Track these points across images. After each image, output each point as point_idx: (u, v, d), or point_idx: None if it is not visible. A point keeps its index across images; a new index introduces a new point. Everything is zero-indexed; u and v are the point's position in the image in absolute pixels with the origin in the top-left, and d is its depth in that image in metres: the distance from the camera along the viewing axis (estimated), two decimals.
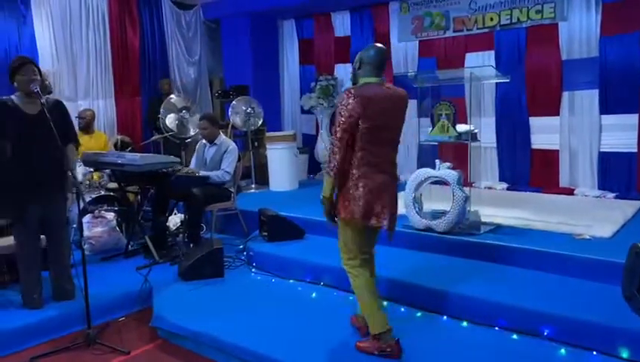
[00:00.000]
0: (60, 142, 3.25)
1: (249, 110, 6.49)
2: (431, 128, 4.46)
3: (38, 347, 3.23)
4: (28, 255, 3.53)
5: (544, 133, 5.92)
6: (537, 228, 4.20)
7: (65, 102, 6.53)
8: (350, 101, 2.60)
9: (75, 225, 4.51)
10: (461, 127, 4.31)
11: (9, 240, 3.67)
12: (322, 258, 3.98)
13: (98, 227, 4.83)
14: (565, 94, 5.76)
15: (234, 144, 5.04)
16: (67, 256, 3.71)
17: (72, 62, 6.61)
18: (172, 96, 6.41)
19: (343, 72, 7.55)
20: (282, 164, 6.45)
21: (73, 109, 6.23)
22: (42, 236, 3.65)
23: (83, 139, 5.70)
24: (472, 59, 6.26)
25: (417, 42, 6.77)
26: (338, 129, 2.62)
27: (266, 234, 4.70)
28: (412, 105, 6.55)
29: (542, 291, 3.26)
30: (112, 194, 5.12)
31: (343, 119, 2.60)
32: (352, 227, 2.76)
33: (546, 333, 2.91)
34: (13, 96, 3.45)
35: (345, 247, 2.84)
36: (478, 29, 6.23)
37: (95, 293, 3.38)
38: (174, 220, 5.38)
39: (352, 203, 2.68)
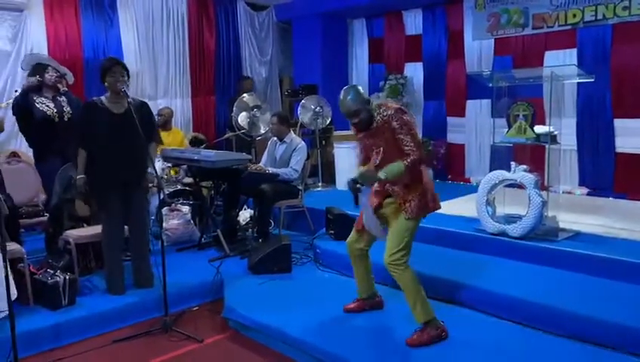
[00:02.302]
0: (143, 140, 3.45)
1: (317, 109, 6.55)
2: (507, 129, 4.30)
3: (119, 331, 3.44)
4: (112, 243, 3.77)
5: (630, 135, 5.54)
6: (621, 237, 3.94)
7: (147, 101, 6.99)
8: (407, 114, 2.97)
9: (153, 217, 4.77)
10: (539, 129, 4.13)
11: (96, 229, 3.93)
12: None
13: (174, 219, 5.06)
14: None
15: (303, 142, 5.12)
16: (147, 245, 3.91)
17: (153, 63, 6.98)
18: (244, 95, 6.60)
19: (413, 70, 7.46)
20: (349, 163, 6.45)
21: (153, 107, 6.53)
22: (125, 226, 3.88)
23: (161, 135, 6.02)
24: (551, 57, 5.96)
25: (493, 40, 6.55)
26: (418, 139, 2.93)
27: (332, 232, 4.73)
28: (486, 105, 6.47)
29: (628, 304, 3.06)
30: (187, 188, 5.36)
31: (412, 126, 2.93)
32: (418, 222, 2.98)
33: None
34: (102, 97, 3.69)
35: (407, 247, 2.95)
36: (559, 26, 5.92)
37: (171, 282, 3.53)
38: (244, 215, 5.54)
39: (423, 199, 2.95)
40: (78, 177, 3.62)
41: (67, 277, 3.50)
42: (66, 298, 3.47)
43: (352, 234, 3.27)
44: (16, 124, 4.70)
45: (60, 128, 4.40)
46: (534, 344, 2.94)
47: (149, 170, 3.67)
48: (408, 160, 2.82)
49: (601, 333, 2.87)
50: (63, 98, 4.57)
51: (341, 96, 2.99)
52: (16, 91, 4.90)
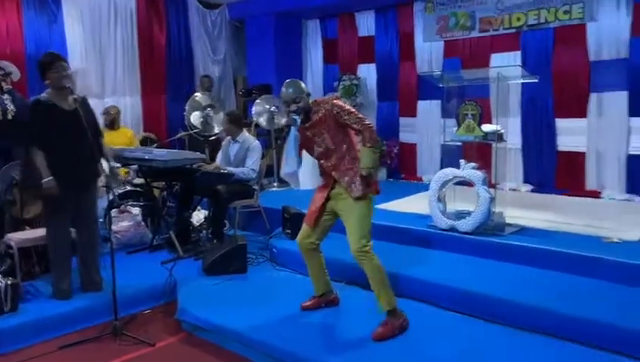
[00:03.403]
0: (91, 136, 3.33)
1: (273, 109, 6.53)
2: (456, 128, 4.43)
3: (66, 336, 3.31)
4: (60, 246, 3.61)
5: (571, 135, 5.83)
6: (563, 231, 4.14)
7: (93, 99, 6.71)
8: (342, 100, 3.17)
9: (102, 219, 4.60)
10: (487, 127, 4.28)
11: (39, 232, 3.76)
12: (345, 255, 3.97)
13: (124, 221, 4.91)
14: (593, 96, 5.67)
15: (257, 141, 5.09)
16: (97, 247, 3.79)
17: (100, 60, 6.76)
18: (197, 94, 6.49)
19: (367, 71, 7.56)
20: (305, 162, 6.44)
21: (101, 106, 6.38)
22: (72, 229, 3.73)
23: (108, 134, 5.82)
24: (497, 59, 6.20)
25: (442, 42, 6.73)
26: (362, 115, 3.05)
27: (289, 231, 4.72)
28: (437, 105, 6.64)
29: (568, 293, 3.21)
30: (138, 189, 5.22)
31: (355, 111, 3.08)
32: (370, 206, 3.08)
33: (569, 336, 2.87)
34: (44, 94, 3.52)
35: (368, 232, 3.03)
36: (504, 29, 6.17)
37: (122, 286, 3.42)
38: (198, 216, 5.44)
39: (364, 178, 3.04)
40: (45, 180, 3.40)
41: (8, 283, 3.34)
42: (8, 303, 3.31)
43: (302, 230, 3.29)
44: None
45: (2, 127, 4.19)
46: (480, 333, 3.05)
47: (106, 166, 3.55)
48: (366, 136, 2.96)
49: (541, 321, 3.00)
50: (6, 96, 4.37)
51: (283, 88, 3.13)
52: None
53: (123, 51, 6.96)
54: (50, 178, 3.41)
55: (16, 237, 3.79)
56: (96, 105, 6.52)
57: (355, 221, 3.02)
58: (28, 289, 3.69)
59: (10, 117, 4.27)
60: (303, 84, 3.15)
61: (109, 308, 3.38)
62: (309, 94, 3.16)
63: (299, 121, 3.15)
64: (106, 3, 6.75)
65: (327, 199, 3.17)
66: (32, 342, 3.21)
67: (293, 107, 3.10)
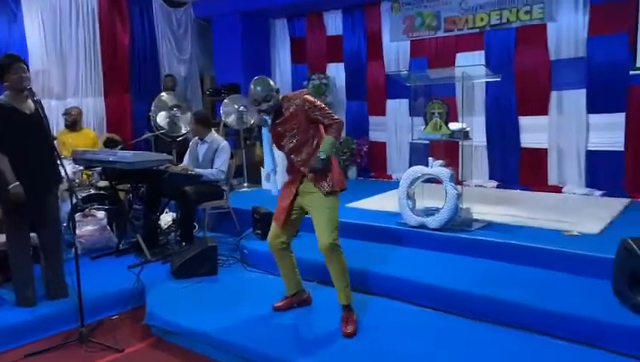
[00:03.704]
0: (52, 140, 3.24)
1: (241, 108, 6.48)
2: (424, 127, 4.50)
3: (31, 344, 3.21)
4: (21, 252, 3.50)
5: (533, 132, 6.00)
6: (527, 225, 4.25)
7: (54, 101, 6.52)
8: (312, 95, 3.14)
9: (65, 224, 4.47)
10: (453, 126, 4.36)
11: (1, 238, 3.63)
12: (316, 255, 3.98)
13: (88, 226, 4.79)
14: (553, 94, 5.83)
15: (225, 142, 5.03)
16: (61, 252, 3.68)
17: (61, 60, 6.55)
18: (163, 93, 6.37)
19: (335, 70, 7.59)
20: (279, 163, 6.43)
21: (62, 107, 6.21)
22: (33, 234, 3.61)
23: (70, 136, 5.69)
24: (462, 58, 6.31)
25: (409, 42, 6.82)
26: (331, 111, 3.09)
27: (259, 232, 4.70)
28: (405, 104, 6.72)
29: (531, 286, 3.31)
30: (102, 192, 5.09)
31: (325, 106, 3.11)
32: (338, 200, 3.11)
33: (536, 329, 2.96)
34: (2, 96, 3.39)
35: (336, 224, 3.06)
36: (468, 29, 6.29)
37: (87, 291, 3.35)
38: (166, 219, 5.36)
39: (340, 174, 3.13)
40: (12, 186, 3.27)
41: None
42: None
43: (272, 229, 3.28)
44: None
45: None
46: (450, 327, 3.11)
47: (69, 168, 3.45)
48: (332, 129, 3.01)
49: (509, 313, 3.08)
50: None
51: (251, 86, 3.08)
52: None
53: (85, 51, 6.78)
54: (17, 183, 3.30)
55: None
56: (58, 107, 6.39)
57: (325, 215, 3.03)
58: None
59: None
60: (271, 81, 3.10)
61: (74, 314, 3.30)
62: (278, 90, 3.12)
63: (269, 121, 3.13)
64: (67, 1, 6.56)
65: (295, 195, 3.16)
66: None
67: (264, 106, 3.05)
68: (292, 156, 3.14)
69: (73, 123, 5.74)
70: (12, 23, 6.08)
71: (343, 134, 7.17)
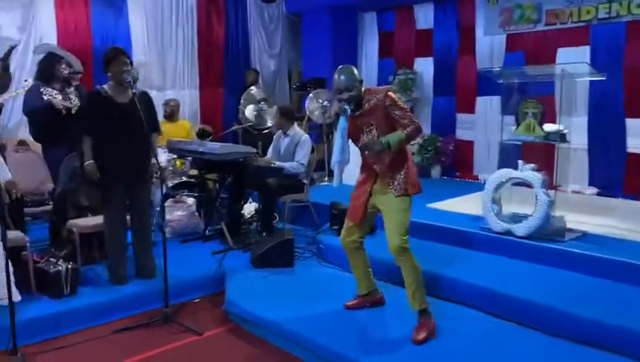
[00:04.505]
0: (147, 130, 3.44)
1: (325, 103, 6.51)
2: (515, 126, 4.24)
3: (120, 321, 3.44)
4: (115, 233, 3.77)
5: None
6: (629, 239, 3.88)
7: (154, 92, 6.94)
8: (395, 93, 3.06)
9: (157, 208, 4.77)
10: (549, 127, 4.06)
11: (100, 219, 3.94)
12: (390, 254, 3.92)
13: (179, 211, 5.06)
14: None
15: (307, 136, 5.08)
16: (150, 236, 3.92)
17: (161, 54, 6.98)
18: (252, 87, 6.57)
19: (424, 65, 7.38)
20: (356, 158, 6.40)
21: (161, 98, 6.60)
22: (127, 217, 3.88)
23: (167, 126, 6.01)
24: (564, 54, 5.85)
25: (505, 36, 6.45)
26: (411, 113, 3.00)
27: (336, 228, 4.69)
28: (497, 101, 6.38)
29: (629, 306, 3.01)
30: (192, 180, 5.36)
31: (407, 108, 3.03)
32: (410, 203, 3.02)
33: None
34: (105, 86, 3.67)
35: (407, 227, 2.98)
36: (572, 22, 5.82)
37: (173, 274, 3.53)
38: (249, 208, 5.53)
39: (416, 177, 3.05)
40: (87, 163, 3.58)
41: (69, 267, 3.52)
42: (68, 287, 3.48)
43: (346, 227, 3.25)
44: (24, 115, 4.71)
45: (66, 120, 4.37)
46: (532, 344, 2.91)
47: (153, 160, 3.67)
48: (408, 129, 2.89)
49: (603, 336, 2.82)
50: (72, 90, 4.52)
51: (335, 75, 3.04)
52: (25, 81, 4.87)
53: (183, 45, 7.17)
54: (91, 161, 3.56)
55: (78, 224, 3.98)
56: (157, 98, 6.77)
57: (396, 217, 2.96)
58: (87, 274, 3.87)
59: (73, 112, 4.41)
60: (356, 71, 3.03)
61: (160, 295, 3.49)
62: (361, 82, 3.06)
63: (349, 110, 3.04)
64: None
65: (369, 195, 3.11)
66: (89, 324, 3.36)
67: (345, 95, 2.99)
68: (367, 152, 3.08)
69: (171, 114, 6.09)
70: (118, 18, 6.56)
71: (427, 131, 6.99)
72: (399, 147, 2.91)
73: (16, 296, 3.11)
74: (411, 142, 3.04)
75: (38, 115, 4.39)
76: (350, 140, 3.15)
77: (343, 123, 3.02)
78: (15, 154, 4.79)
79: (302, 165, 4.91)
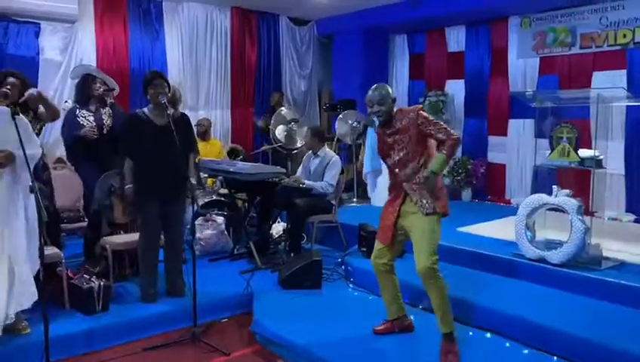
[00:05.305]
0: (182, 150, 3.52)
1: (355, 124, 6.53)
2: (549, 151, 4.16)
3: (149, 339, 3.47)
4: (149, 252, 3.83)
5: None
6: None
7: (187, 112, 7.08)
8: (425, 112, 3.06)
9: (188, 226, 4.83)
10: (584, 152, 3.97)
11: (132, 237, 4.02)
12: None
13: (208, 229, 5.12)
14: None
15: (337, 157, 5.10)
16: (182, 255, 3.97)
17: (195, 75, 7.15)
18: (282, 108, 6.65)
19: (455, 87, 7.35)
20: (384, 179, 6.39)
21: (194, 118, 6.71)
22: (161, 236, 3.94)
23: (200, 145, 6.11)
24: (600, 78, 5.75)
25: (538, 59, 6.38)
26: (445, 126, 2.98)
27: (364, 250, 4.67)
28: (530, 124, 6.28)
29: None
30: (222, 199, 5.42)
31: (439, 123, 2.99)
32: (439, 224, 3.00)
33: None
34: (145, 109, 3.79)
35: (435, 248, 2.95)
36: (608, 46, 5.72)
37: (202, 292, 3.55)
38: (277, 228, 5.55)
39: (445, 198, 3.04)
40: (127, 187, 3.70)
41: (102, 284, 3.58)
42: (100, 304, 3.54)
43: (376, 249, 3.23)
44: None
45: (98, 140, 4.43)
46: None
47: (192, 180, 3.74)
48: (446, 146, 2.90)
49: None
50: (107, 109, 4.58)
51: (369, 91, 3.09)
52: (66, 102, 5.01)
53: (217, 67, 7.32)
54: (129, 186, 3.68)
55: (111, 240, 4.06)
56: (191, 118, 6.92)
57: (425, 237, 2.94)
58: (119, 291, 3.94)
59: (105, 131, 4.46)
60: (390, 89, 3.10)
61: (189, 313, 3.50)
62: (394, 100, 3.11)
63: (377, 122, 3.10)
64: (204, 21, 7.15)
65: (398, 216, 3.09)
66: (119, 341, 3.40)
67: (376, 108, 3.04)
68: (397, 170, 3.08)
69: (204, 133, 6.20)
70: (155, 41, 6.76)
71: (459, 154, 6.92)
72: (443, 168, 2.93)
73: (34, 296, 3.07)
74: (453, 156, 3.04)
75: (72, 144, 4.52)
76: (381, 157, 3.20)
77: (371, 134, 3.06)
78: (53, 171, 4.94)
79: (331, 185, 4.93)
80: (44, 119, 3.54)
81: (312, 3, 7.01)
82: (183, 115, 3.95)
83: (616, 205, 5.67)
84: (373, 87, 3.11)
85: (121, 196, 3.83)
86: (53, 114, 3.52)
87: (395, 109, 3.10)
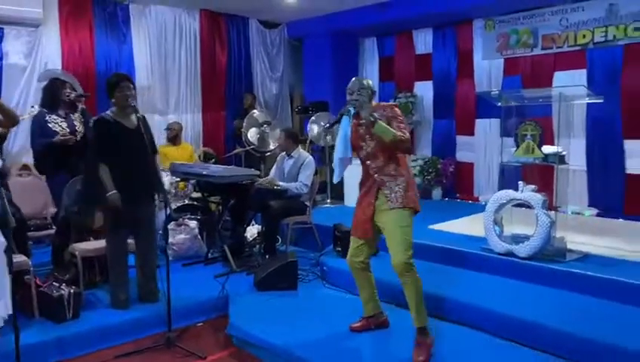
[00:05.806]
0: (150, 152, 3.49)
1: (326, 125, 6.57)
2: (515, 148, 4.29)
3: (122, 346, 3.42)
4: (118, 257, 3.77)
5: None
6: (630, 259, 3.89)
7: (157, 116, 7.02)
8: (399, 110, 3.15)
9: (160, 231, 4.78)
10: (547, 149, 4.11)
11: (102, 243, 3.95)
12: (396, 276, 3.91)
13: (181, 234, 5.08)
14: None
15: (311, 157, 5.15)
16: (154, 259, 3.92)
17: (165, 79, 7.07)
18: (255, 110, 6.65)
19: (423, 89, 7.49)
20: (358, 180, 6.44)
21: (164, 122, 6.68)
22: (130, 241, 3.89)
23: (170, 149, 6.08)
24: (561, 77, 5.96)
25: (502, 60, 6.57)
26: (406, 129, 3.06)
27: (339, 249, 4.71)
28: (496, 124, 6.45)
29: (631, 327, 3.01)
30: (195, 203, 5.38)
31: (404, 125, 3.08)
32: (411, 219, 3.06)
33: None
34: (109, 112, 3.71)
35: (410, 243, 3.01)
36: (568, 46, 5.94)
37: (176, 297, 3.51)
38: (252, 231, 5.54)
39: (416, 194, 3.12)
40: (111, 193, 3.58)
41: (72, 291, 3.51)
42: (71, 311, 3.48)
43: (352, 246, 3.27)
44: (29, 139, 4.71)
45: (71, 146, 4.33)
46: None
47: (166, 181, 3.70)
48: (398, 135, 2.96)
49: (604, 356, 2.82)
50: (77, 115, 4.48)
51: (352, 79, 3.18)
52: (32, 107, 4.84)
53: (186, 70, 7.27)
54: (114, 191, 3.59)
55: (80, 247, 3.98)
56: (160, 121, 6.87)
57: (398, 233, 2.99)
58: (89, 298, 3.86)
59: (78, 138, 4.35)
60: (370, 82, 3.16)
61: (163, 319, 3.47)
62: (374, 92, 3.18)
63: (353, 111, 3.13)
64: (172, 25, 7.09)
65: (374, 209, 3.12)
66: (90, 349, 3.33)
67: (355, 96, 3.09)
68: (368, 162, 3.14)
69: (174, 137, 6.15)
70: (122, 44, 6.67)
71: (428, 153, 7.06)
72: (382, 134, 2.94)
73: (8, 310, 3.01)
74: (397, 151, 3.08)
75: (44, 154, 4.34)
76: (353, 149, 3.22)
77: (346, 122, 3.11)
78: (18, 178, 4.84)
79: (305, 185, 4.96)
80: (2, 126, 3.36)
81: (282, 6, 7.04)
82: (144, 117, 3.87)
83: (579, 200, 5.88)
84: (355, 78, 3.20)
85: (105, 204, 3.65)
86: (12, 119, 3.25)
87: (374, 103, 3.15)
